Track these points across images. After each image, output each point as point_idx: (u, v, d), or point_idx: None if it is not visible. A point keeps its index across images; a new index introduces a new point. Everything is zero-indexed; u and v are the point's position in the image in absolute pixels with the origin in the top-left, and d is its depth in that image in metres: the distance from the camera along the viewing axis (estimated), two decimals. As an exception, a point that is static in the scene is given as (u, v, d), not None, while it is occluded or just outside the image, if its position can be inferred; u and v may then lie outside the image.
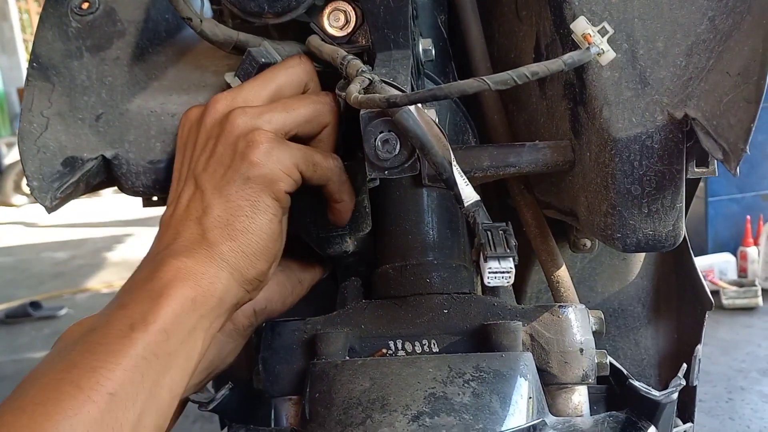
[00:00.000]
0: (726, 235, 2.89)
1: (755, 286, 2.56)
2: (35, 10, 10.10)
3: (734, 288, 2.57)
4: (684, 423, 0.65)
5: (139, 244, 5.34)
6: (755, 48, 0.39)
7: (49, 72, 0.49)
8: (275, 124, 0.48)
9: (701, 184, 2.94)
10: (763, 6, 0.40)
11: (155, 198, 0.54)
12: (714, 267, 2.72)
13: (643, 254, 0.67)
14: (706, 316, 0.64)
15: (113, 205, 7.47)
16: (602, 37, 0.41)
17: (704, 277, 2.64)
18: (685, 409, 0.65)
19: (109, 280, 4.59)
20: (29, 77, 0.49)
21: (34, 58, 0.49)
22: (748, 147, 0.37)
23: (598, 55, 0.41)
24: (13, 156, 7.89)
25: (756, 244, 2.77)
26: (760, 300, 2.54)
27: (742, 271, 2.77)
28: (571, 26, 0.42)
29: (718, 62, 0.41)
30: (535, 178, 0.56)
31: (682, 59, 0.43)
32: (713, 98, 0.40)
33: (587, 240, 0.59)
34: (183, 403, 0.53)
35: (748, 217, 2.80)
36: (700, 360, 0.65)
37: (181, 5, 0.45)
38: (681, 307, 0.67)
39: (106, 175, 0.51)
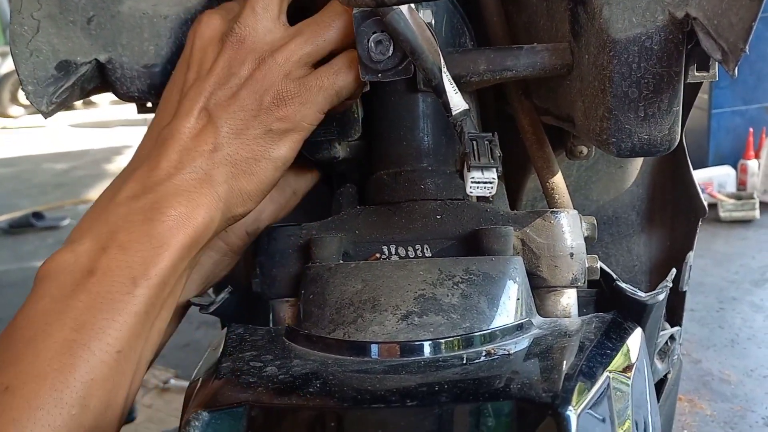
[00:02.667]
0: (727, 148, 2.88)
1: (753, 198, 2.58)
2: None
3: (732, 201, 2.59)
4: (672, 327, 0.66)
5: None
6: (762, -58, 0.37)
7: None
8: (304, 60, 0.46)
9: (705, 96, 2.89)
10: None
11: (150, 104, 0.53)
12: (713, 180, 2.72)
13: (639, 162, 0.66)
14: (700, 223, 0.65)
15: (111, 116, 7.40)
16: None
17: (702, 189, 2.65)
18: (674, 314, 0.66)
19: (110, 191, 4.61)
20: None
21: None
22: (747, 47, 0.36)
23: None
24: (8, 66, 7.75)
25: (757, 157, 2.77)
26: (757, 213, 2.55)
27: (741, 184, 2.77)
28: None
29: None
30: (533, 83, 0.55)
31: (686, -45, 0.41)
32: None
33: (584, 147, 0.59)
34: (185, 307, 0.54)
35: (751, 129, 2.78)
36: (690, 266, 0.66)
37: None
38: (675, 214, 0.67)
39: (101, 80, 0.50)
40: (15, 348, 0.39)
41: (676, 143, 0.45)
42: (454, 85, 0.42)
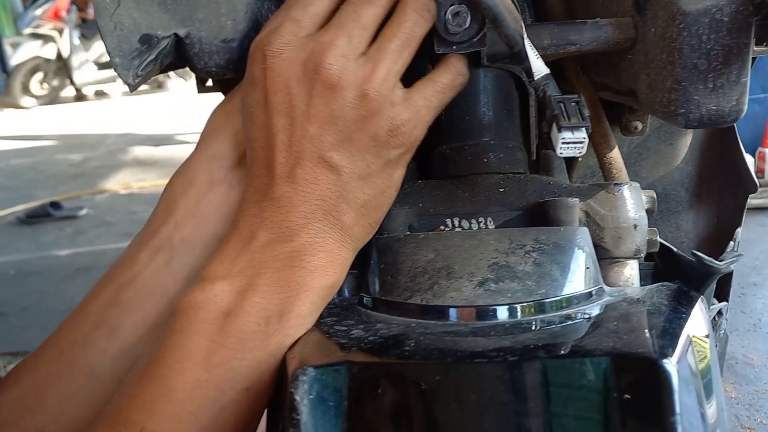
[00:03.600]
0: (746, 136, 2.86)
1: (772, 186, 2.57)
2: None
3: (752, 188, 2.58)
4: (719, 302, 0.67)
5: (150, 147, 5.35)
6: None
7: None
8: (398, 78, 0.45)
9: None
10: None
11: (226, 77, 0.53)
12: (733, 167, 2.71)
13: (689, 139, 0.67)
14: (748, 199, 0.66)
15: (124, 107, 7.43)
16: None
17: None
18: (722, 289, 0.67)
19: (125, 181, 4.64)
20: None
21: None
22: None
23: None
24: (18, 57, 7.78)
25: (776, 144, 2.76)
26: (776, 200, 2.55)
27: (760, 172, 2.77)
28: None
29: None
30: (592, 58, 0.56)
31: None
32: None
33: (638, 122, 0.59)
34: None
35: (770, 117, 2.77)
36: (739, 243, 0.67)
37: None
38: (723, 191, 0.68)
39: (178, 54, 0.51)
40: (150, 385, 0.40)
41: (743, 114, 0.46)
42: (535, 50, 0.43)
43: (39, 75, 8.02)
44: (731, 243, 0.54)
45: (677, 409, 0.33)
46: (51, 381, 0.50)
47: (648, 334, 0.36)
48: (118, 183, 4.64)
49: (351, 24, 0.44)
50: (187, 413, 0.39)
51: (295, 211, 0.44)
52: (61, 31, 7.67)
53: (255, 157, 0.45)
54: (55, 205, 4.12)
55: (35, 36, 7.68)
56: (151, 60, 0.49)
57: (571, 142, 0.42)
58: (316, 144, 0.43)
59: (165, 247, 0.51)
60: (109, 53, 0.48)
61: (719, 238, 0.68)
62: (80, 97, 8.35)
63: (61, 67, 7.94)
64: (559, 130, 0.42)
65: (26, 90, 8.06)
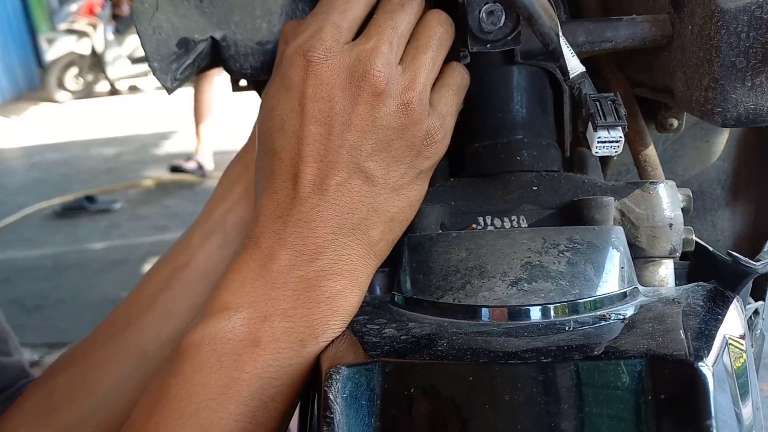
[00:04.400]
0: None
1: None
2: None
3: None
4: (756, 301, 0.66)
5: (183, 141, 5.42)
6: None
7: None
8: (432, 83, 0.45)
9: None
10: None
11: (261, 79, 0.54)
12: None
13: (725, 136, 0.66)
14: (787, 198, 0.64)
15: (156, 102, 7.53)
16: None
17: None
18: (758, 289, 0.66)
19: (158, 175, 4.70)
20: None
21: None
22: None
23: None
24: (54, 52, 7.92)
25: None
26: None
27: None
28: None
29: None
30: (627, 55, 0.55)
31: None
32: None
33: (674, 120, 0.59)
34: None
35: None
36: (775, 242, 0.66)
37: None
38: (761, 188, 0.67)
39: (213, 57, 0.52)
40: (175, 423, 0.38)
41: (783, 113, 0.45)
42: (570, 48, 0.42)
43: (74, 70, 8.17)
44: (767, 243, 0.53)
45: (713, 412, 0.32)
46: (105, 362, 0.51)
47: (683, 336, 0.36)
48: (151, 177, 4.71)
49: (390, 31, 0.43)
50: None
51: (322, 227, 0.42)
52: (95, 27, 7.79)
53: (281, 168, 0.43)
54: (90, 198, 4.20)
55: (70, 32, 7.81)
56: (189, 63, 0.49)
57: (607, 141, 0.42)
58: (354, 153, 0.42)
59: (218, 230, 0.51)
60: (147, 57, 0.48)
61: (757, 237, 0.67)
62: (114, 91, 8.49)
63: (96, 62, 8.07)
64: (595, 129, 0.42)
65: (61, 85, 8.21)
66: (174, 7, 0.49)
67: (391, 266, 0.50)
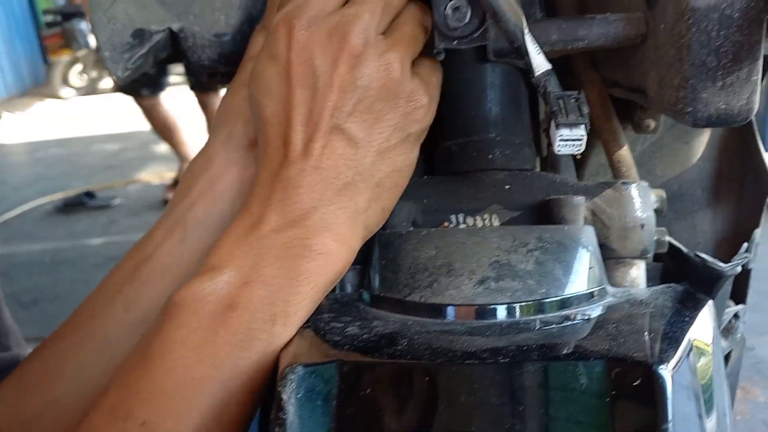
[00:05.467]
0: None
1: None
2: None
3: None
4: (736, 305, 0.66)
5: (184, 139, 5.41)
6: None
7: None
8: (413, 56, 0.46)
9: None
10: None
11: (218, 71, 0.54)
12: (768, 164, 2.65)
13: (706, 137, 0.66)
14: (767, 199, 0.64)
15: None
16: None
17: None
18: (739, 292, 0.66)
19: (158, 171, 4.71)
20: None
21: None
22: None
23: None
24: (59, 49, 7.93)
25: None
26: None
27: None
28: None
29: None
30: (601, 55, 0.55)
31: None
32: None
33: (651, 121, 0.58)
34: None
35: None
36: (757, 244, 0.65)
37: None
38: (741, 191, 0.66)
39: (172, 48, 0.52)
40: (152, 378, 0.38)
41: (754, 113, 0.44)
42: (536, 45, 0.42)
43: (78, 66, 8.18)
44: (744, 244, 0.53)
45: (670, 416, 0.32)
46: (71, 350, 0.51)
47: (647, 338, 0.36)
48: (152, 173, 4.72)
49: (375, 1, 0.44)
50: (191, 410, 0.38)
51: (308, 192, 0.43)
52: (98, 24, 7.80)
53: (272, 134, 0.44)
54: (89, 194, 4.21)
55: (75, 29, 7.82)
56: (143, 54, 0.50)
57: (569, 139, 0.42)
58: (336, 114, 0.43)
59: (179, 225, 0.52)
60: (99, 47, 0.49)
61: (737, 239, 0.67)
62: (118, 88, 8.50)
63: (100, 59, 8.08)
64: (557, 126, 0.41)
65: (65, 81, 8.23)
66: None
67: (363, 263, 0.50)
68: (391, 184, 0.46)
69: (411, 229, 0.49)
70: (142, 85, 3.45)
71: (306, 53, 0.43)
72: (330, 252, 0.42)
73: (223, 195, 0.52)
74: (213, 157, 0.52)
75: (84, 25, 7.65)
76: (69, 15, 7.72)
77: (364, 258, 0.49)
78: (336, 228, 0.43)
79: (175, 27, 0.51)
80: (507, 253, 0.44)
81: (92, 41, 7.70)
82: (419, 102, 0.45)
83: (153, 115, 3.76)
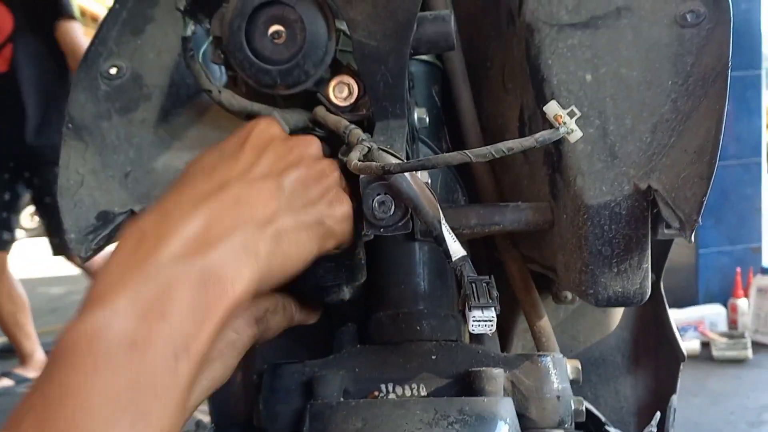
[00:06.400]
0: (717, 286, 2.93)
1: (745, 338, 2.59)
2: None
3: (724, 340, 2.60)
4: (660, 471, 0.68)
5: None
6: (709, 129, 0.44)
7: (82, 132, 0.54)
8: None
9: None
10: (718, 92, 0.46)
11: None
12: (705, 318, 2.75)
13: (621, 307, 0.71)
14: (681, 367, 0.68)
15: (111, 241, 7.45)
16: (571, 118, 0.47)
17: (695, 328, 2.67)
18: (661, 457, 0.68)
19: (104, 316, 4.58)
20: (65, 137, 0.54)
21: (69, 119, 0.54)
22: (701, 218, 0.42)
23: (567, 134, 0.46)
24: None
25: (746, 296, 2.81)
26: (749, 352, 2.56)
27: (733, 323, 2.80)
28: (544, 108, 0.48)
29: (679, 140, 0.46)
30: (520, 234, 0.61)
31: (648, 136, 0.48)
32: (673, 173, 0.45)
33: (568, 293, 0.63)
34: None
35: (739, 269, 2.84)
36: (675, 409, 0.69)
37: (203, 79, 0.50)
38: (658, 358, 0.71)
39: None
40: (55, 427, 0.34)
41: (647, 296, 0.50)
42: (452, 234, 0.47)
43: (30, 209, 8.13)
44: (657, 414, 0.56)
45: None
46: None
47: None
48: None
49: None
50: None
51: (219, 220, 0.41)
52: (56, 167, 7.88)
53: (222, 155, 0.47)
54: (29, 340, 4.03)
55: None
56: (105, 235, 0.53)
57: (482, 320, 0.46)
58: (280, 173, 0.46)
59: None
60: (65, 230, 0.52)
61: (657, 404, 0.70)
62: (69, 230, 8.42)
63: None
64: (470, 309, 0.45)
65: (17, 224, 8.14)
66: (98, 183, 0.53)
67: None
68: (287, 252, 0.46)
69: (341, 400, 0.51)
70: None
71: (265, 135, 0.48)
72: (227, 286, 0.40)
73: None
74: None
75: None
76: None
77: (297, 426, 0.51)
78: (235, 264, 0.41)
79: (137, 208, 0.55)
80: (429, 426, 0.46)
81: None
82: (338, 203, 0.49)
83: None
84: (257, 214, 0.43)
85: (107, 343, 0.36)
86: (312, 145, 0.50)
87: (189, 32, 0.50)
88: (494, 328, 0.46)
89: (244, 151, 0.47)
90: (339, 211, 0.49)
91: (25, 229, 8.12)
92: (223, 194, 0.43)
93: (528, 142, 0.45)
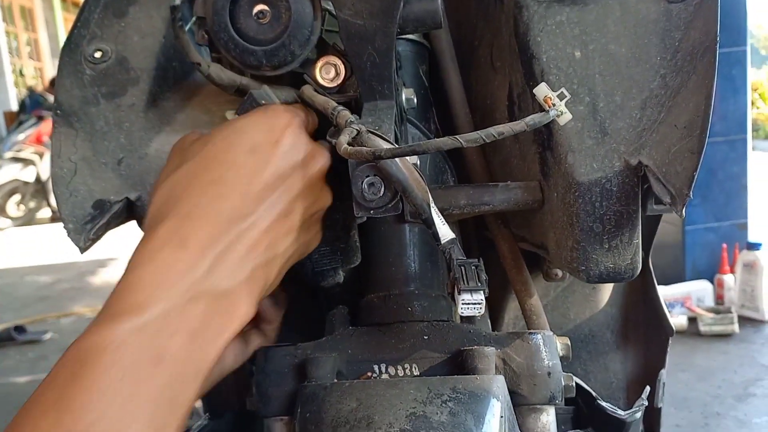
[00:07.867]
0: (703, 263, 2.96)
1: (731, 313, 2.62)
2: (23, 32, 10.17)
3: (711, 315, 2.63)
4: (651, 441, 0.69)
5: (122, 268, 5.31)
6: (699, 104, 0.44)
7: (71, 118, 0.53)
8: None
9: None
10: (707, 67, 0.46)
11: None
12: (692, 294, 2.77)
13: (611, 284, 0.71)
14: (669, 342, 0.69)
15: (98, 228, 7.40)
16: (560, 101, 0.46)
17: (681, 303, 2.70)
18: (651, 430, 0.69)
19: (93, 304, 4.57)
20: (55, 124, 0.53)
21: (57, 105, 0.53)
22: (691, 192, 0.42)
23: (556, 116, 0.46)
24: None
25: (732, 271, 2.84)
26: (736, 327, 2.59)
27: (719, 299, 2.83)
28: (534, 91, 0.47)
29: (668, 115, 0.47)
30: (510, 213, 0.61)
31: (637, 112, 0.48)
32: (663, 148, 0.45)
33: (558, 270, 0.64)
34: None
35: (725, 245, 2.87)
36: (664, 384, 0.70)
37: (192, 51, 0.49)
38: (647, 333, 0.71)
39: (128, 215, 0.55)
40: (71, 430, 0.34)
41: (638, 271, 0.50)
42: (441, 217, 0.47)
43: (16, 197, 8.07)
44: (647, 388, 0.57)
45: None
46: None
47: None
48: (86, 305, 4.58)
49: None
50: None
51: (230, 231, 0.43)
52: (41, 155, 7.80)
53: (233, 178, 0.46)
54: (19, 329, 4.02)
55: (15, 159, 7.80)
56: (103, 224, 0.52)
57: (471, 303, 0.46)
58: (288, 190, 0.47)
59: None
60: (62, 219, 0.51)
61: (646, 379, 0.71)
62: (56, 218, 8.36)
63: (39, 189, 8.01)
64: (459, 292, 0.46)
65: (2, 211, 8.07)
66: (91, 171, 0.53)
67: (289, 414, 0.51)
68: (279, 265, 0.48)
69: (335, 381, 0.51)
70: None
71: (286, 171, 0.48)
72: (244, 311, 0.42)
73: None
74: None
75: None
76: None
77: (290, 409, 0.51)
78: (249, 290, 0.43)
79: (132, 196, 0.54)
80: (423, 405, 0.47)
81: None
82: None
83: None
84: (273, 241, 0.46)
85: (133, 355, 0.36)
86: (323, 159, 0.49)
87: (177, 0, 0.49)
88: (483, 310, 0.46)
89: (274, 163, 0.46)
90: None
91: (12, 218, 8.06)
92: (253, 217, 0.44)
93: (518, 126, 0.45)
